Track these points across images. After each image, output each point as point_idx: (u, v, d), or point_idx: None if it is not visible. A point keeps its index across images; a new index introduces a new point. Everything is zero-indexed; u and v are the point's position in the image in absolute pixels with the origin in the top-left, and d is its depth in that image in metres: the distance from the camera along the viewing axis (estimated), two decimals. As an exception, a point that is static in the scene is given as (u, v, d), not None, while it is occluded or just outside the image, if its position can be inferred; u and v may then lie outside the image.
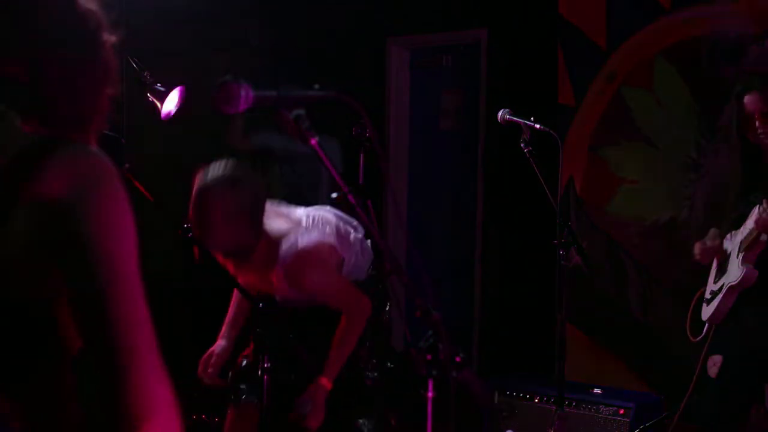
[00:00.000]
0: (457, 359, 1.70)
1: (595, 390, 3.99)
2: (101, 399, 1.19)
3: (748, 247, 3.31)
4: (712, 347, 3.52)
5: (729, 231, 3.54)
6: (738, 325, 3.40)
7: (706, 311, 3.49)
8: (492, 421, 4.05)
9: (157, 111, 3.80)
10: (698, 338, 3.56)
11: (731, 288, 3.35)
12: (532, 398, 4.00)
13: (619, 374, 4.74)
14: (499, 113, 3.36)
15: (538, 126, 3.25)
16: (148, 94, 3.77)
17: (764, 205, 3.21)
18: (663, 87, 4.79)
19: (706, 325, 3.52)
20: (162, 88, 3.79)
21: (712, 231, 3.58)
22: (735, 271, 3.35)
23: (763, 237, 3.27)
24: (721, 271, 3.49)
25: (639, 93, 4.92)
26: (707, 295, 3.53)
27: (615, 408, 3.83)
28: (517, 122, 3.29)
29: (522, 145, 3.24)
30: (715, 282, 3.51)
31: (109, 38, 1.32)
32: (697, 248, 3.56)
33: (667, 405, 4.00)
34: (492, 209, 5.56)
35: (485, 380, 4.13)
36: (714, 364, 3.44)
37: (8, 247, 1.17)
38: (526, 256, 5.24)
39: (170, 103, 3.82)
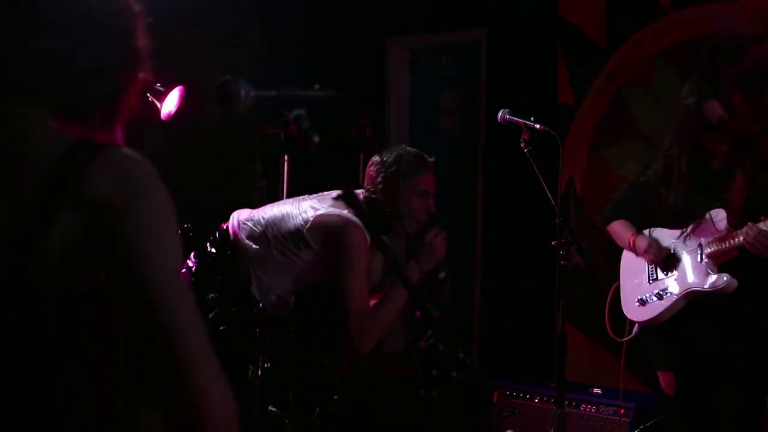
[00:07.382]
0: (457, 359, 1.70)
1: (595, 390, 3.99)
2: (162, 404, 1.16)
3: (723, 255, 3.26)
4: (656, 360, 3.47)
5: (655, 227, 3.47)
6: (681, 333, 3.34)
7: (644, 311, 3.41)
8: (492, 421, 4.05)
9: (157, 111, 3.80)
10: (627, 338, 3.53)
11: (694, 292, 3.30)
12: (532, 398, 3.99)
13: (619, 374, 4.73)
14: (499, 113, 3.35)
15: (538, 126, 3.25)
16: (148, 94, 3.77)
17: (754, 227, 3.13)
18: (663, 87, 4.78)
19: (636, 325, 3.48)
20: (162, 88, 3.79)
21: (649, 240, 3.48)
22: (702, 276, 3.29)
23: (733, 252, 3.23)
24: (665, 270, 3.40)
25: (639, 93, 4.92)
26: (642, 296, 3.44)
27: (615, 408, 3.83)
28: (517, 122, 3.29)
29: (522, 145, 3.24)
30: (651, 281, 3.43)
31: (141, 28, 1.32)
32: (651, 251, 3.44)
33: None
34: (492, 209, 5.56)
35: (485, 379, 4.13)
36: (667, 383, 3.39)
37: (58, 246, 1.15)
38: (525, 256, 5.24)
39: (170, 103, 3.82)
